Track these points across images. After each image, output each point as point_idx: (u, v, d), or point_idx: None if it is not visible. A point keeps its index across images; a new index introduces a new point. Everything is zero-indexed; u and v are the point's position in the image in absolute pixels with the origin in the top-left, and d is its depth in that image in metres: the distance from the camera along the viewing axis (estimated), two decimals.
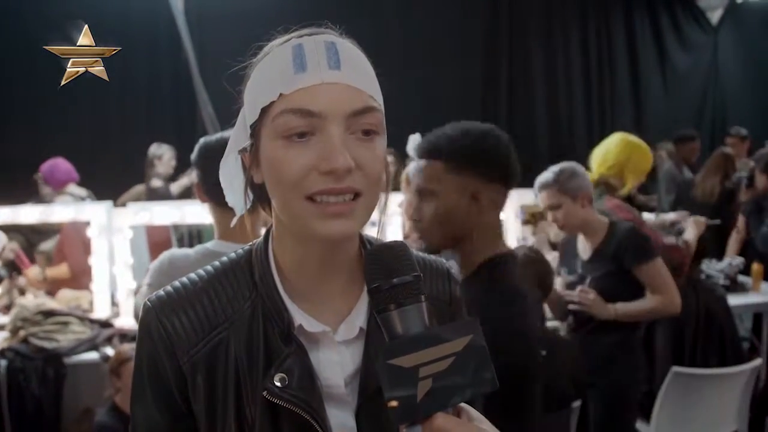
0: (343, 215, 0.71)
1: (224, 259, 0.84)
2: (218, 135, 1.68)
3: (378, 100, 0.74)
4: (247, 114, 0.76)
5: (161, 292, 0.80)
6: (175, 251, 1.70)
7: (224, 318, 0.78)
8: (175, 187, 5.08)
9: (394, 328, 0.67)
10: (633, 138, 2.82)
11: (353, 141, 0.71)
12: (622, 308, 2.35)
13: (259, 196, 0.82)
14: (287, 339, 0.76)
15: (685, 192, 5.13)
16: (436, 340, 0.64)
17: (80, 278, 3.40)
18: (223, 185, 0.85)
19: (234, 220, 0.86)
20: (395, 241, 0.72)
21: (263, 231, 0.87)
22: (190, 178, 5.12)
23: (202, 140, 1.71)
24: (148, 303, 0.79)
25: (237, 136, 0.79)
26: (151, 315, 0.78)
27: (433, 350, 0.64)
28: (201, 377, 0.76)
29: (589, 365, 2.35)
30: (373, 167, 0.72)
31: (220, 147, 1.61)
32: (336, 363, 0.78)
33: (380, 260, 0.69)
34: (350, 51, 0.74)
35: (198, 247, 1.68)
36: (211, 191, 1.63)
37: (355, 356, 0.79)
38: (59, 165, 4.29)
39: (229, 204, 0.85)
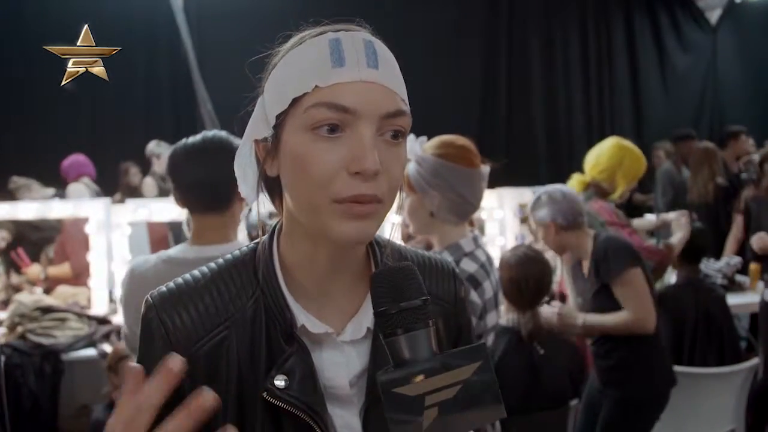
0: (365, 218, 0.70)
1: (228, 256, 0.83)
2: (184, 140, 1.66)
3: (407, 104, 0.74)
4: (272, 103, 0.74)
5: (163, 288, 0.79)
6: (136, 261, 1.69)
7: (226, 316, 0.77)
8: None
9: (401, 353, 0.64)
10: (626, 143, 2.82)
11: (381, 143, 0.70)
12: (590, 320, 2.27)
13: (270, 189, 0.81)
14: (289, 339, 0.75)
15: (682, 192, 5.12)
16: (444, 367, 0.62)
17: (82, 277, 3.40)
18: (236, 175, 0.83)
19: (245, 210, 0.84)
20: (403, 264, 0.70)
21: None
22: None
23: (171, 148, 1.71)
24: (149, 299, 0.78)
25: (255, 125, 0.77)
26: (152, 311, 0.77)
27: (440, 378, 0.62)
28: (201, 376, 0.75)
29: (606, 367, 2.33)
30: (397, 173, 0.72)
31: (186, 152, 1.64)
32: (340, 363, 0.77)
33: (388, 283, 0.67)
34: (386, 52, 0.73)
35: (160, 253, 1.66)
36: (184, 197, 1.63)
37: (362, 356, 0.78)
38: (80, 160, 4.75)
39: (242, 194, 0.83)
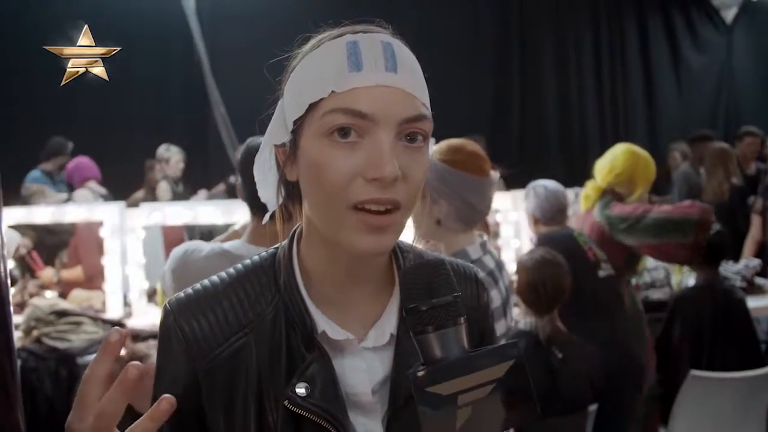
0: (383, 230, 0.68)
1: (247, 261, 0.81)
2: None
3: (428, 107, 0.72)
4: (290, 107, 0.73)
5: (181, 294, 0.78)
6: (193, 244, 1.69)
7: (246, 322, 0.76)
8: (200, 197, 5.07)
9: (432, 351, 0.63)
10: (637, 148, 2.81)
11: (401, 149, 0.68)
12: None
13: (290, 194, 0.79)
14: (310, 345, 0.74)
15: (698, 193, 5.06)
16: (477, 365, 0.61)
17: (95, 280, 3.41)
18: (256, 179, 0.82)
19: (266, 217, 0.83)
20: (434, 259, 0.68)
21: None
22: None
23: (248, 140, 1.69)
24: (168, 306, 0.78)
25: (274, 130, 0.76)
26: (170, 318, 0.76)
27: (473, 377, 0.60)
28: (220, 383, 0.74)
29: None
30: (418, 178, 0.70)
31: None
32: (362, 370, 0.75)
33: (418, 279, 0.65)
34: (405, 54, 0.71)
35: (214, 245, 1.67)
36: (252, 196, 1.62)
37: (385, 363, 0.76)
38: (84, 163, 4.62)
39: (262, 199, 0.82)
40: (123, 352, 2.79)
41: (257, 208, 1.62)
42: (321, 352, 0.74)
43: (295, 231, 0.81)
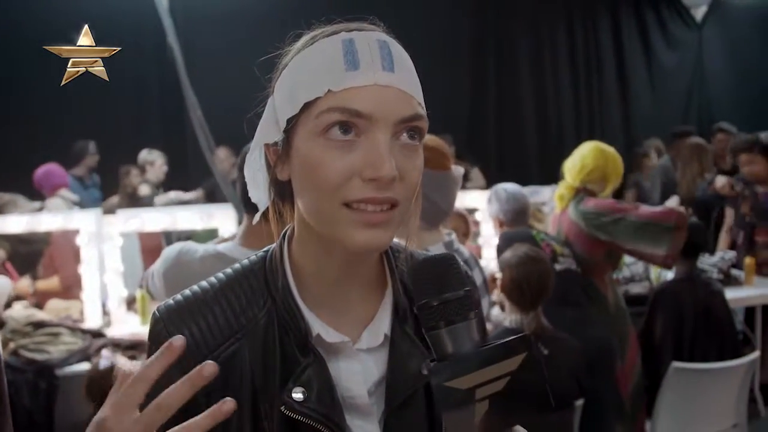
0: (380, 226, 0.67)
1: (237, 265, 0.80)
2: None
3: (424, 106, 0.71)
4: (282, 106, 0.71)
5: (170, 300, 0.77)
6: (186, 245, 1.67)
7: (238, 328, 0.74)
8: (160, 200, 4.99)
9: (445, 346, 0.63)
10: (604, 145, 2.84)
11: (397, 148, 0.68)
12: None
13: (282, 194, 0.78)
14: (304, 349, 0.73)
15: (674, 187, 5.15)
16: (492, 359, 0.61)
17: (72, 290, 3.35)
18: (246, 179, 0.81)
19: (256, 217, 0.82)
20: (444, 254, 0.68)
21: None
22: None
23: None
24: (157, 313, 0.76)
25: (265, 129, 0.75)
26: (160, 325, 0.75)
27: (489, 370, 0.61)
28: (213, 391, 0.71)
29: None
30: (414, 178, 0.69)
31: None
32: (358, 373, 0.74)
33: (429, 274, 0.66)
34: (401, 53, 0.71)
35: (208, 246, 1.65)
36: (248, 195, 1.60)
37: (380, 364, 0.75)
38: (53, 170, 4.43)
39: (253, 200, 0.81)
40: (104, 362, 2.74)
41: (250, 208, 1.60)
42: (316, 356, 0.73)
43: (285, 232, 0.79)
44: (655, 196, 5.46)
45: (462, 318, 0.64)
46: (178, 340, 0.61)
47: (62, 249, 3.42)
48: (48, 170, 4.46)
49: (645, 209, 2.64)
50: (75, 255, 3.31)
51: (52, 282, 3.44)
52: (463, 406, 0.60)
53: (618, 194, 3.78)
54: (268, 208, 0.81)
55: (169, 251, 1.66)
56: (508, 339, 0.63)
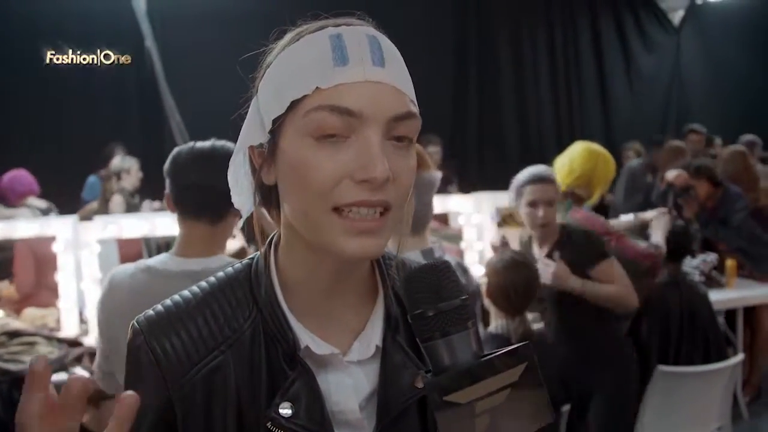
0: (372, 233, 0.64)
1: (221, 273, 0.76)
2: (191, 144, 1.61)
3: (416, 104, 0.68)
4: (267, 106, 0.67)
5: (151, 311, 0.73)
6: (117, 269, 1.58)
7: (222, 339, 0.70)
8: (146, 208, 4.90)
9: (441, 358, 0.60)
10: (596, 146, 2.81)
11: (389, 148, 0.64)
12: (590, 285, 2.31)
13: (267, 198, 0.73)
14: (292, 362, 0.69)
15: (640, 189, 5.18)
16: (491, 371, 0.58)
17: (27, 299, 3.24)
18: (230, 184, 0.76)
19: (240, 222, 0.78)
20: (439, 261, 0.65)
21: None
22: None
23: (175, 149, 1.65)
24: (136, 324, 0.72)
25: (249, 131, 0.71)
26: (140, 338, 0.71)
27: (488, 383, 0.57)
28: (197, 405, 0.69)
29: (585, 373, 2.32)
30: (407, 179, 0.66)
31: (191, 155, 1.56)
32: (348, 386, 0.71)
33: (423, 283, 0.62)
34: (391, 48, 0.68)
35: (139, 262, 1.56)
36: (179, 198, 1.55)
37: (371, 377, 0.72)
38: (21, 177, 4.17)
39: (236, 205, 0.77)
40: (81, 371, 2.67)
41: (185, 211, 1.54)
42: (304, 369, 0.69)
43: (271, 239, 0.76)
44: (622, 198, 5.48)
45: (459, 328, 0.60)
46: (40, 364, 0.56)
47: (21, 255, 3.31)
48: (14, 176, 4.19)
49: (629, 244, 2.63)
50: (37, 262, 3.21)
51: (11, 289, 3.34)
52: (463, 422, 0.57)
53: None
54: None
55: (103, 281, 1.59)
56: (509, 348, 0.60)
